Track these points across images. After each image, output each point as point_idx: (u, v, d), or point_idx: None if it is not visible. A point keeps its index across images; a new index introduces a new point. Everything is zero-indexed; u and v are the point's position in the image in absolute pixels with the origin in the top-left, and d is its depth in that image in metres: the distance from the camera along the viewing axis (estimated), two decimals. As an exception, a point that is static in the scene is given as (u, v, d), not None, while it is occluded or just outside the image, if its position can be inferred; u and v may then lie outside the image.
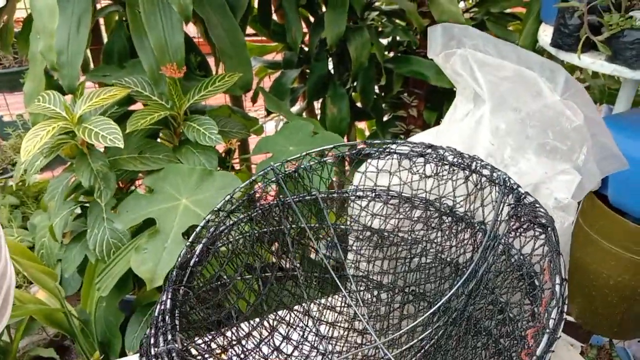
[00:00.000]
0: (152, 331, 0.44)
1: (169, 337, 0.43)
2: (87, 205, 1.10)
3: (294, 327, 0.65)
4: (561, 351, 0.71)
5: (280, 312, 0.65)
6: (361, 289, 0.69)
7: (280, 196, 0.62)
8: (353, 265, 0.69)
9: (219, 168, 1.12)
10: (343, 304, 0.69)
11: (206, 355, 0.49)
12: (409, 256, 0.65)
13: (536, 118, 0.63)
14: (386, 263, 0.67)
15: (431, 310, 0.49)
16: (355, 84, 1.65)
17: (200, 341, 0.51)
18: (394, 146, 0.62)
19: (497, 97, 0.65)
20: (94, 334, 1.14)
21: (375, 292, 0.68)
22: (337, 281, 0.63)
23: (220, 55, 1.20)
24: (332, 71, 1.66)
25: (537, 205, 0.50)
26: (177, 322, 0.45)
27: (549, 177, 0.61)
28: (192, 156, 1.10)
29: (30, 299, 1.15)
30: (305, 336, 0.66)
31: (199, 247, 0.54)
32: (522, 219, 0.49)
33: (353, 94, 1.72)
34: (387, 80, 1.69)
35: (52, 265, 1.17)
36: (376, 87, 1.72)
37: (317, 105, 1.77)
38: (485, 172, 0.56)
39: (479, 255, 0.51)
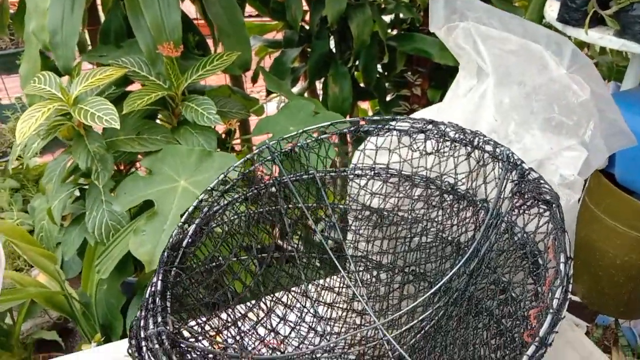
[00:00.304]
0: (142, 313, 0.43)
1: (159, 319, 0.41)
2: (86, 187, 1.09)
3: (292, 308, 0.64)
4: (566, 331, 0.70)
5: (277, 294, 0.64)
6: (360, 269, 0.67)
7: (277, 175, 0.61)
8: (352, 245, 0.67)
9: (218, 149, 1.10)
10: (342, 285, 0.68)
11: (199, 338, 0.48)
12: (409, 235, 0.63)
13: (542, 92, 0.61)
14: (386, 243, 0.66)
15: (432, 291, 0.48)
16: (357, 62, 1.62)
17: (193, 323, 0.50)
18: (393, 123, 0.59)
19: (502, 70, 0.62)
20: (95, 317, 1.13)
21: (375, 273, 0.66)
22: (336, 261, 0.62)
23: (218, 34, 1.18)
24: (334, 50, 1.63)
25: (542, 181, 0.48)
26: (168, 304, 0.44)
27: (554, 152, 0.59)
28: (191, 137, 1.08)
29: (30, 282, 1.15)
30: (302, 317, 0.64)
31: (191, 228, 0.52)
32: (526, 196, 0.47)
33: (355, 73, 1.69)
34: (390, 59, 1.65)
35: (52, 248, 1.16)
36: (379, 66, 1.69)
37: (319, 85, 1.74)
38: (488, 148, 0.54)
39: (481, 233, 0.49)
